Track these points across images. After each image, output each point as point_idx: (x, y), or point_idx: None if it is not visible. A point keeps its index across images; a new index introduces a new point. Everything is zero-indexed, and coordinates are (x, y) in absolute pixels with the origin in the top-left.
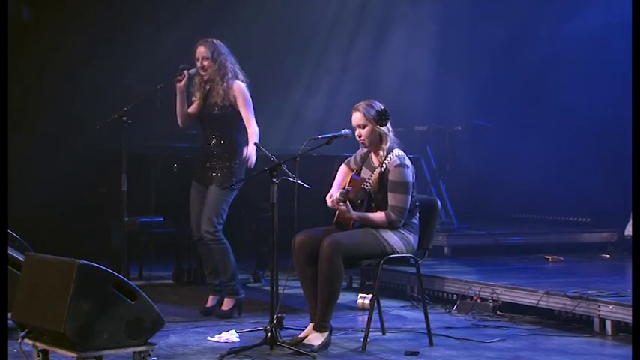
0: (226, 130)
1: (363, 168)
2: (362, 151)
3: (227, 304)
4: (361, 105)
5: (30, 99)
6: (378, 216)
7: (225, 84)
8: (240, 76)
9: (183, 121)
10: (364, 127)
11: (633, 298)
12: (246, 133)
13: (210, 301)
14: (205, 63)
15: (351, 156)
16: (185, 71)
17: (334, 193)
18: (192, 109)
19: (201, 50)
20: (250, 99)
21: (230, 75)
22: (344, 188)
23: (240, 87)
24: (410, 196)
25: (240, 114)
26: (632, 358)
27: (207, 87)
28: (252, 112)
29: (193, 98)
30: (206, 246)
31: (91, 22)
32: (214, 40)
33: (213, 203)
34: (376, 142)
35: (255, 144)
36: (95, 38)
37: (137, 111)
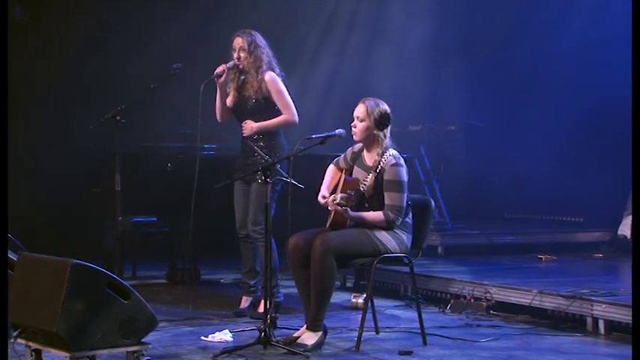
0: None
1: (355, 167)
2: (353, 149)
3: (263, 305)
4: (368, 100)
5: (23, 98)
6: (376, 215)
7: (260, 76)
8: (277, 70)
9: (223, 117)
10: (362, 120)
11: (633, 298)
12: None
13: (244, 302)
14: (242, 54)
15: (341, 155)
16: (224, 65)
17: (326, 194)
18: (227, 102)
19: (239, 41)
20: (284, 88)
21: (265, 68)
22: (346, 192)
23: (271, 77)
24: (406, 195)
25: (276, 107)
26: (632, 359)
27: (242, 78)
28: (289, 100)
29: (228, 90)
30: (251, 244)
31: (86, 22)
32: (252, 32)
33: (258, 200)
34: (369, 140)
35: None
36: (90, 38)
37: (131, 110)
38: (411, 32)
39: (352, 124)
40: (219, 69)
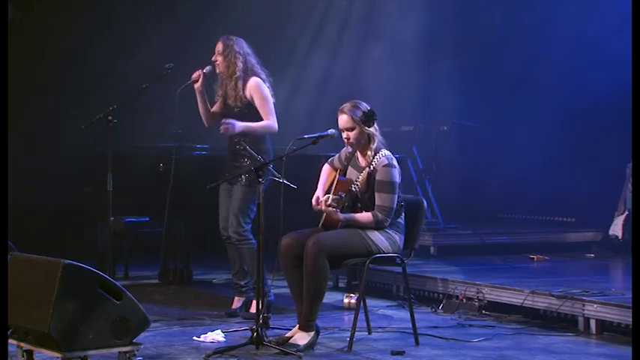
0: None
1: (349, 167)
2: (347, 149)
3: (256, 306)
4: (347, 107)
5: (16, 98)
6: (365, 216)
7: (233, 82)
8: (263, 75)
9: (208, 122)
10: (352, 129)
11: (633, 299)
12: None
13: (236, 302)
14: (218, 58)
15: (335, 155)
16: (200, 70)
17: (321, 195)
18: (215, 107)
19: (217, 45)
20: (268, 96)
21: (240, 74)
22: (337, 194)
23: (255, 84)
24: (396, 196)
25: (259, 114)
26: (632, 359)
27: (225, 84)
28: (272, 109)
29: (217, 97)
30: (234, 246)
31: (78, 22)
32: (234, 38)
33: (239, 202)
34: (364, 142)
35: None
36: (81, 38)
37: (123, 111)
38: (404, 32)
39: (345, 137)
40: (195, 74)
